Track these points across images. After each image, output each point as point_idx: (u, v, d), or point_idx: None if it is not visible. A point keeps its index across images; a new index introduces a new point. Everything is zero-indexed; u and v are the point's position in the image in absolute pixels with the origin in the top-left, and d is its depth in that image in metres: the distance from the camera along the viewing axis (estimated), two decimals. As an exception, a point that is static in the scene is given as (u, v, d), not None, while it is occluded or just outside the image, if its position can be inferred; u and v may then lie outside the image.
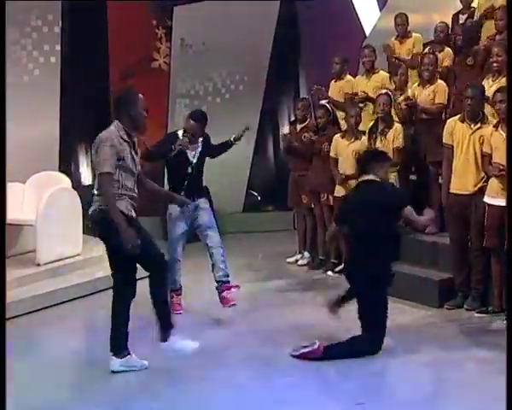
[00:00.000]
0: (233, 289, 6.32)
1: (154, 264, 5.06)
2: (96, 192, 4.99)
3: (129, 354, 4.99)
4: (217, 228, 6.43)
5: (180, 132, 6.48)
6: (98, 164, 4.88)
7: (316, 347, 5.16)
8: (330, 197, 7.86)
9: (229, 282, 6.33)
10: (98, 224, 5.02)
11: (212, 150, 6.65)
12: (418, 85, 7.54)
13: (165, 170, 6.74)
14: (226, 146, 6.81)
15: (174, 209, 6.31)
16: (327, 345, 5.18)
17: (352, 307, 5.54)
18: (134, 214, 5.01)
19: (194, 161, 6.43)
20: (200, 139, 6.46)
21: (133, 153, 5.05)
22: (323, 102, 8.28)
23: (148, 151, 6.45)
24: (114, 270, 5.07)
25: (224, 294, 6.29)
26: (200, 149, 6.46)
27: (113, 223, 4.79)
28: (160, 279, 5.11)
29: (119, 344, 4.96)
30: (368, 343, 5.21)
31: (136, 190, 5.10)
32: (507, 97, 5.72)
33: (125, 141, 4.98)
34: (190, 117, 6.47)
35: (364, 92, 8.10)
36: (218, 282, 6.33)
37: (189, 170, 6.39)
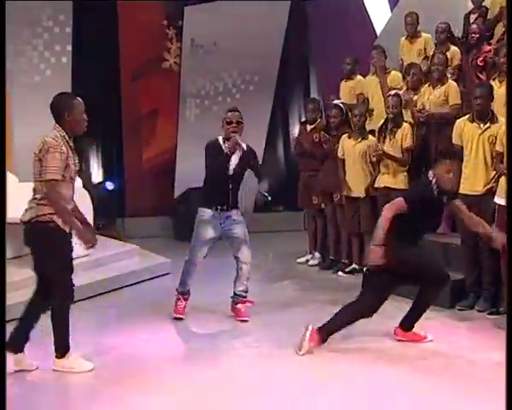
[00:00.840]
0: (248, 304, 6.30)
1: None
2: (36, 197, 4.83)
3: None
4: (248, 241, 6.29)
5: (220, 137, 6.20)
6: (44, 170, 4.73)
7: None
8: (343, 197, 7.86)
9: (246, 297, 6.32)
10: (32, 234, 4.85)
11: (253, 165, 6.28)
12: (428, 86, 7.51)
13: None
14: (258, 177, 6.57)
15: (206, 213, 6.14)
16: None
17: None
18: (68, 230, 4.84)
19: (233, 167, 6.11)
20: (245, 145, 6.12)
21: (74, 160, 4.93)
22: (337, 101, 8.27)
23: (206, 176, 6.21)
24: (53, 283, 4.83)
25: (239, 306, 6.28)
26: (240, 155, 6.13)
27: (50, 236, 4.72)
28: None
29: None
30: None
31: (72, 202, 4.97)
32: (507, 97, 5.69)
33: (69, 147, 4.86)
34: (228, 110, 6.23)
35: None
36: (236, 294, 6.30)
37: (229, 176, 6.10)
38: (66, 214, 4.78)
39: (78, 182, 8.14)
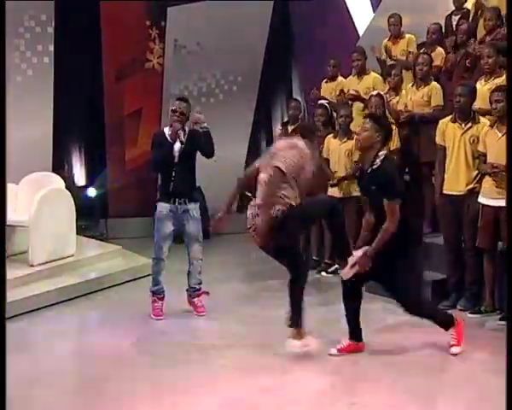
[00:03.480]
0: (204, 295, 6.48)
1: None
2: None
3: None
4: (202, 238, 6.43)
5: (166, 129, 6.39)
6: None
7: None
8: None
9: (200, 290, 6.48)
10: None
11: (198, 144, 6.28)
12: (412, 86, 7.55)
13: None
14: (205, 155, 6.45)
15: (164, 208, 6.27)
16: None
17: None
18: None
19: (177, 153, 6.23)
20: (187, 130, 6.30)
21: None
22: (323, 101, 8.29)
23: (150, 164, 6.42)
24: None
25: (196, 300, 6.46)
26: (183, 140, 6.25)
27: None
28: None
29: None
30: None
31: None
32: (507, 97, 5.73)
33: None
34: (179, 99, 6.44)
35: (355, 91, 8.11)
36: (191, 288, 6.46)
37: (175, 163, 6.23)
38: None
39: (61, 183, 8.17)
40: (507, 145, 5.58)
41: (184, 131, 6.29)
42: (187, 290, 6.51)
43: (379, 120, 5.46)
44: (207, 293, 6.52)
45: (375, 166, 5.16)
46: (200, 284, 6.49)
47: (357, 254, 5.19)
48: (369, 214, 5.38)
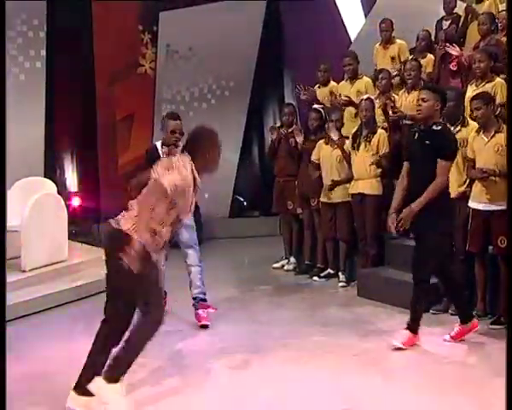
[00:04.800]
0: (210, 310, 6.31)
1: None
2: None
3: None
4: (197, 245, 6.34)
5: (159, 143, 6.35)
6: None
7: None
8: (319, 202, 7.90)
9: (205, 300, 6.32)
10: None
11: None
12: (404, 92, 7.60)
13: None
14: None
15: None
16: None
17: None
18: None
19: None
20: (179, 150, 6.11)
21: None
22: (317, 106, 8.31)
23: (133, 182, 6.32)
24: None
25: (200, 311, 6.28)
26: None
27: None
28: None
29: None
30: None
31: None
32: (507, 98, 5.75)
33: None
34: (172, 117, 6.31)
35: (347, 96, 8.14)
36: (194, 299, 6.32)
37: None
38: None
39: (53, 188, 8.16)
40: (507, 146, 5.59)
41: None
42: (193, 305, 6.33)
43: (435, 89, 5.62)
44: (214, 309, 6.35)
45: (434, 127, 5.39)
46: (203, 293, 6.30)
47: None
48: (406, 177, 5.56)
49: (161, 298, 4.65)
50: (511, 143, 5.47)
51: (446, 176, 5.38)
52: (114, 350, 4.37)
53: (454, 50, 7.52)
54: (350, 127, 7.82)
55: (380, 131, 7.38)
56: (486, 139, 5.94)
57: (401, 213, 5.36)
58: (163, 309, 4.52)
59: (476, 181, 6.03)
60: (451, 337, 5.60)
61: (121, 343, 4.35)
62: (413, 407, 4.53)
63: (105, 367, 4.32)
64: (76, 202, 10.44)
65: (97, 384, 4.25)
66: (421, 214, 5.30)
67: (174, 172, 4.31)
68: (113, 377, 4.23)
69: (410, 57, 8.26)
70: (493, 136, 5.89)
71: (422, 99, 5.44)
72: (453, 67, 7.56)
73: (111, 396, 4.21)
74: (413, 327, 5.51)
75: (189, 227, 6.26)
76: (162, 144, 6.33)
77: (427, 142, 5.37)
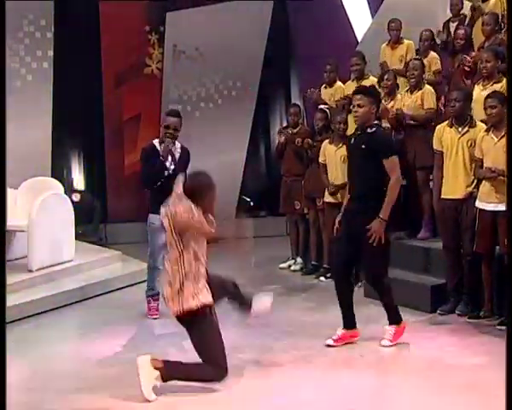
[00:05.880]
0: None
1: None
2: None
3: None
4: None
5: (156, 141, 6.39)
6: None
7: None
8: (325, 203, 7.89)
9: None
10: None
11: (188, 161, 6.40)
12: (407, 91, 7.58)
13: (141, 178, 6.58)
14: None
15: (155, 220, 6.14)
16: None
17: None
18: None
19: (172, 167, 6.27)
20: (179, 146, 6.37)
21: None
22: (322, 106, 8.30)
23: (141, 179, 6.36)
24: None
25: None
26: (178, 155, 6.34)
27: None
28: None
29: None
30: None
31: None
32: (508, 100, 5.73)
33: None
34: (168, 114, 6.44)
35: (349, 96, 8.13)
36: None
37: (167, 177, 6.14)
38: None
39: (60, 188, 8.18)
40: (507, 148, 5.58)
41: (174, 145, 6.29)
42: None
43: (368, 92, 5.63)
44: None
45: (369, 130, 5.44)
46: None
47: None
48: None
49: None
50: (511, 142, 5.46)
51: (398, 169, 5.45)
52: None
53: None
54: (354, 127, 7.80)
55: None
56: (496, 139, 5.91)
57: (371, 228, 5.32)
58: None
59: (484, 181, 6.02)
60: (390, 340, 5.56)
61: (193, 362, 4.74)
62: (420, 407, 4.52)
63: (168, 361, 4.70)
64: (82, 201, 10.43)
65: (145, 360, 4.57)
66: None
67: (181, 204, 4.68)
68: (164, 374, 4.59)
69: (414, 57, 8.23)
70: (503, 136, 5.86)
71: (358, 105, 5.45)
72: (467, 68, 7.52)
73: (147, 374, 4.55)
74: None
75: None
76: (160, 142, 6.34)
77: (363, 146, 5.43)
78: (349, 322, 5.65)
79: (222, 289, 4.95)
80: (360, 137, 5.50)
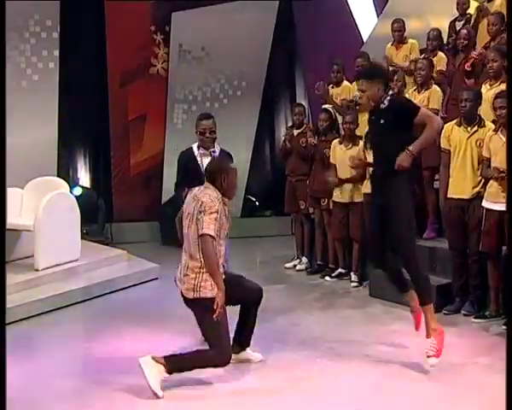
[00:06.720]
0: None
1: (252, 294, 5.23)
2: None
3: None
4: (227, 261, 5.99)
5: (195, 146, 6.12)
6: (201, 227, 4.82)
7: None
8: (330, 202, 7.89)
9: None
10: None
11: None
12: (414, 91, 7.57)
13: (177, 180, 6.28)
14: None
15: None
16: None
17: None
18: None
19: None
20: (219, 149, 6.07)
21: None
22: (327, 106, 8.30)
23: (177, 184, 6.13)
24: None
25: None
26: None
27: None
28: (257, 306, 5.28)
29: None
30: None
31: None
32: (507, 101, 5.73)
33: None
34: (200, 118, 6.14)
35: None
36: None
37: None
38: (217, 272, 4.85)
39: (66, 188, 8.20)
40: (507, 148, 5.58)
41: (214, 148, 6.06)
42: None
43: (371, 74, 5.28)
44: None
45: (382, 106, 5.15)
46: None
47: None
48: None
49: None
50: (511, 142, 5.45)
51: (435, 116, 5.28)
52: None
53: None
54: (363, 127, 7.80)
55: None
56: (504, 139, 5.90)
57: (399, 159, 5.02)
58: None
59: (491, 181, 6.01)
60: (435, 355, 5.08)
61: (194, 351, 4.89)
62: (424, 407, 4.52)
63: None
64: (88, 201, 10.44)
65: (146, 358, 4.66)
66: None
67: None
68: (168, 367, 4.66)
69: (421, 56, 8.23)
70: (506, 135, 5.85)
71: (361, 90, 5.20)
72: (468, 67, 7.52)
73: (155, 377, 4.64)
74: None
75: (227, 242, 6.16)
76: (198, 146, 6.11)
77: (382, 121, 5.14)
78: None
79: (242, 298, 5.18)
80: (377, 115, 5.22)
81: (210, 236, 4.77)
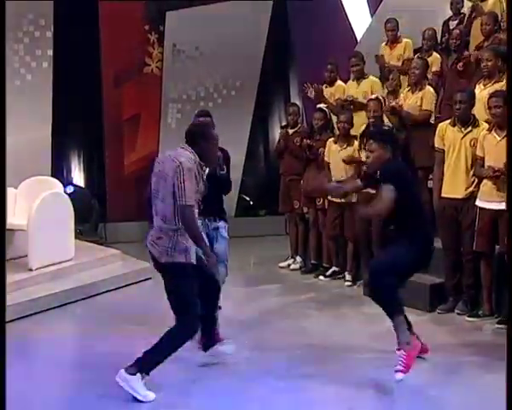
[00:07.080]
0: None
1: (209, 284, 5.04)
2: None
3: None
4: (227, 261, 6.13)
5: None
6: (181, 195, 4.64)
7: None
8: (325, 202, 7.90)
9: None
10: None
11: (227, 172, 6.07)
12: (408, 91, 7.58)
13: None
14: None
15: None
16: None
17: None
18: None
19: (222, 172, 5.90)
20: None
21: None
22: (321, 105, 8.31)
23: None
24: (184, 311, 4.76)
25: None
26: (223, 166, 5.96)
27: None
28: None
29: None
30: None
31: None
32: (508, 100, 5.75)
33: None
34: (198, 115, 6.16)
35: (353, 97, 8.15)
36: None
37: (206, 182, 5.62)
38: (202, 238, 4.80)
39: (60, 187, 8.19)
40: (507, 148, 5.59)
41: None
42: None
43: (382, 139, 5.19)
44: (219, 307, 6.34)
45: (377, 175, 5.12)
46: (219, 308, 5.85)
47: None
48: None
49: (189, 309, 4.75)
50: (511, 142, 5.47)
51: (385, 203, 4.96)
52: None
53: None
54: (358, 127, 7.82)
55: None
56: (498, 138, 5.92)
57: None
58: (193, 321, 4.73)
59: (485, 180, 6.03)
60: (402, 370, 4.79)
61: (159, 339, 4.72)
62: (419, 407, 4.53)
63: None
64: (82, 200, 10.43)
65: (121, 375, 4.61)
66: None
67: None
68: (143, 369, 4.62)
69: (416, 55, 8.25)
70: (506, 135, 5.85)
71: (370, 151, 5.13)
72: (460, 67, 7.55)
73: (136, 386, 4.59)
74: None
75: (226, 240, 6.08)
76: None
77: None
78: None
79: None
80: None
81: (191, 206, 4.66)
